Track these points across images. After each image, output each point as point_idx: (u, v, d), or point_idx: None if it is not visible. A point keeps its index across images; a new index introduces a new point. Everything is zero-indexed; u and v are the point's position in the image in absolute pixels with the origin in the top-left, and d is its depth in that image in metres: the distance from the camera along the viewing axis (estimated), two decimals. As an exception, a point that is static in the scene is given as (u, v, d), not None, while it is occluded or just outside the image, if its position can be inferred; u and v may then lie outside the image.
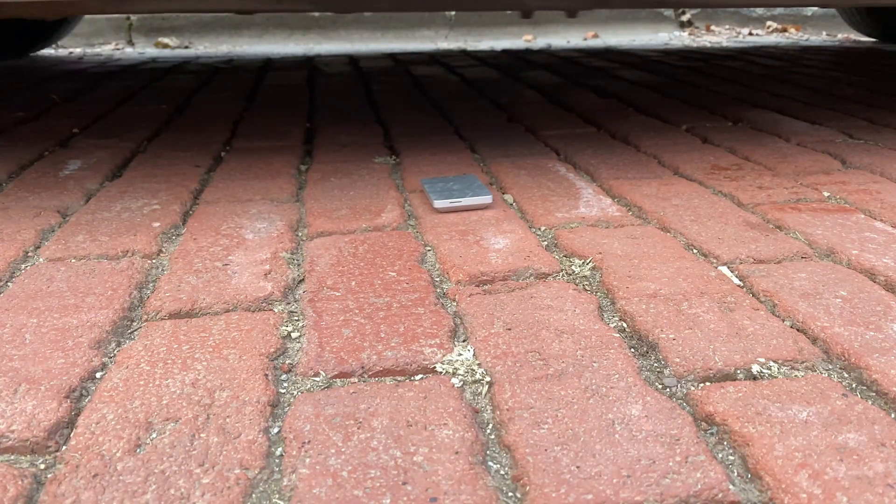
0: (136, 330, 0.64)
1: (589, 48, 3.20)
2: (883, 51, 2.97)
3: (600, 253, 0.80)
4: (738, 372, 0.57)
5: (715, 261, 0.79)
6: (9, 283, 0.73)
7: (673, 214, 0.93)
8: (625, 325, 0.65)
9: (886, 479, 0.45)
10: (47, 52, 3.24)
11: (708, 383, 0.56)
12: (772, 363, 0.58)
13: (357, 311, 0.67)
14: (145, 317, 0.66)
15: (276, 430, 0.51)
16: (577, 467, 0.46)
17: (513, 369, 0.57)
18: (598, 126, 1.49)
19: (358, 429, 0.50)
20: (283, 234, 0.86)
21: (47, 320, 0.65)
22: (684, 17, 4.08)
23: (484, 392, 0.55)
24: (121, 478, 0.45)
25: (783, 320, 0.66)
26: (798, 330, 0.64)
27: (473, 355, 0.60)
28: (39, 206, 0.97)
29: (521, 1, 1.07)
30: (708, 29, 4.06)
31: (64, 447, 0.49)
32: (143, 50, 3.35)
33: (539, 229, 0.88)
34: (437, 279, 0.74)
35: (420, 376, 0.57)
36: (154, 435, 0.49)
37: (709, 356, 0.59)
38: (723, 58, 2.70)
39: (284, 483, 0.45)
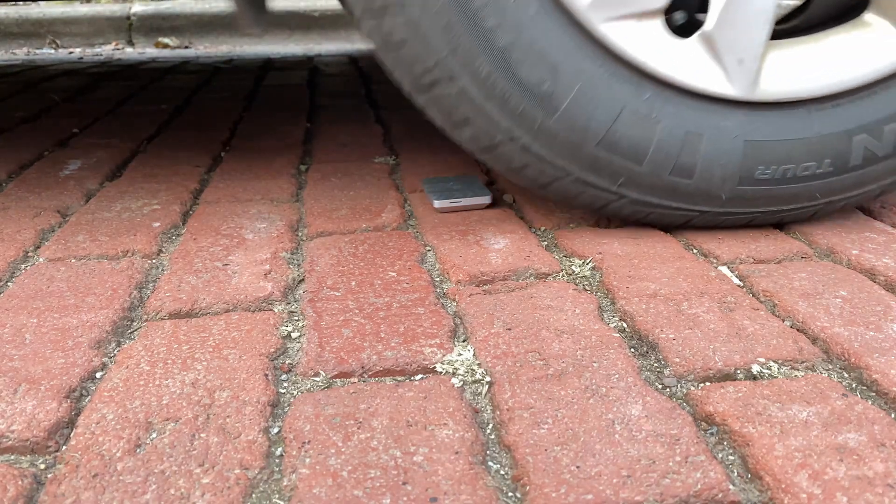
0: (136, 330, 0.64)
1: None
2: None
3: (600, 253, 0.80)
4: (738, 372, 0.57)
5: (715, 261, 0.79)
6: (9, 283, 0.73)
7: (673, 214, 0.92)
8: (625, 325, 0.65)
9: (886, 479, 0.45)
10: (47, 51, 3.24)
11: (708, 383, 0.56)
12: (772, 363, 0.58)
13: (357, 311, 0.67)
14: (145, 317, 0.66)
15: (276, 430, 0.51)
16: (577, 467, 0.46)
17: (513, 369, 0.57)
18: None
19: (358, 429, 0.50)
20: (283, 234, 0.86)
21: (47, 320, 0.65)
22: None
23: (484, 392, 0.55)
24: (121, 478, 0.45)
25: (783, 320, 0.66)
26: (798, 330, 0.64)
27: (473, 355, 0.60)
28: (39, 206, 0.97)
29: None
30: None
31: (64, 447, 0.49)
32: (143, 50, 3.36)
33: (539, 229, 0.88)
34: (437, 279, 0.74)
35: (420, 376, 0.57)
36: (154, 435, 0.49)
37: (709, 356, 0.59)
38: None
39: (284, 483, 0.45)
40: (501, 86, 0.75)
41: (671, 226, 0.86)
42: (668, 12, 0.79)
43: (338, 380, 0.57)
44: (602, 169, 0.79)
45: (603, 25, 0.75)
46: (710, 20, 0.76)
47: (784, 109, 0.80)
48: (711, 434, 0.50)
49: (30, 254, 0.81)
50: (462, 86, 0.75)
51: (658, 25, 0.77)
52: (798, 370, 0.57)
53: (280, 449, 0.49)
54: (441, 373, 0.57)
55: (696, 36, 0.77)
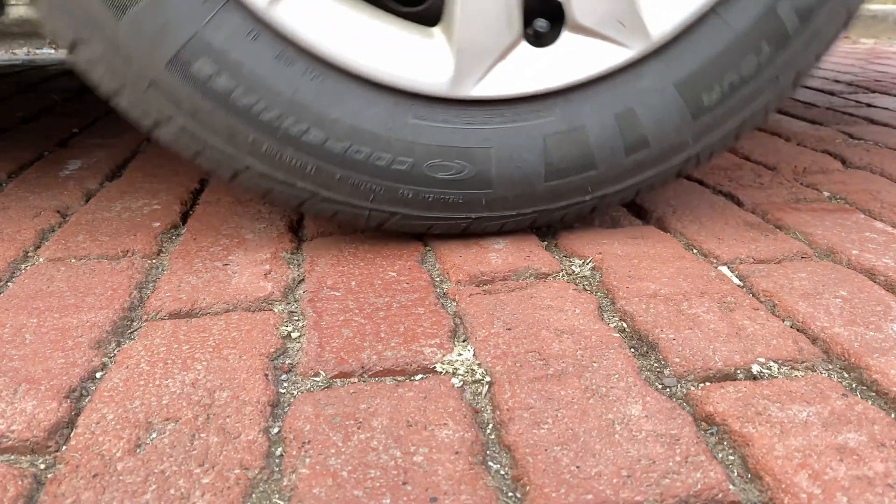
0: (136, 330, 0.64)
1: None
2: (885, 50, 2.97)
3: (600, 253, 0.80)
4: (738, 372, 0.57)
5: (715, 261, 0.79)
6: (9, 283, 0.73)
7: (673, 214, 0.93)
8: (625, 325, 0.65)
9: (886, 479, 0.45)
10: (47, 51, 3.24)
11: (708, 383, 0.56)
12: (772, 363, 0.58)
13: (357, 311, 0.67)
14: (145, 317, 0.66)
15: (276, 430, 0.51)
16: (577, 467, 0.46)
17: (513, 369, 0.57)
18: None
19: (358, 429, 0.50)
20: (284, 234, 0.86)
21: (47, 320, 0.65)
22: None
23: (484, 392, 0.55)
24: (121, 478, 0.45)
25: (783, 320, 0.66)
26: (798, 330, 0.64)
27: (473, 355, 0.60)
28: (39, 206, 0.97)
29: None
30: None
31: (64, 447, 0.49)
32: (143, 50, 3.35)
33: (539, 229, 0.88)
34: (437, 279, 0.74)
35: (420, 376, 0.57)
36: (154, 435, 0.49)
37: (709, 356, 0.59)
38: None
39: (284, 483, 0.45)
40: (434, 195, 0.77)
41: (666, 184, 0.85)
42: (527, 26, 0.76)
43: (338, 380, 0.57)
44: (567, 192, 0.80)
45: (475, 90, 0.74)
46: (568, 9, 0.74)
47: (693, 32, 0.76)
48: (711, 434, 0.50)
49: (30, 254, 0.81)
50: (405, 213, 0.78)
51: (524, 50, 0.75)
52: (798, 370, 0.57)
53: (280, 449, 0.49)
54: (441, 373, 0.57)
55: (565, 31, 0.75)
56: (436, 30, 0.75)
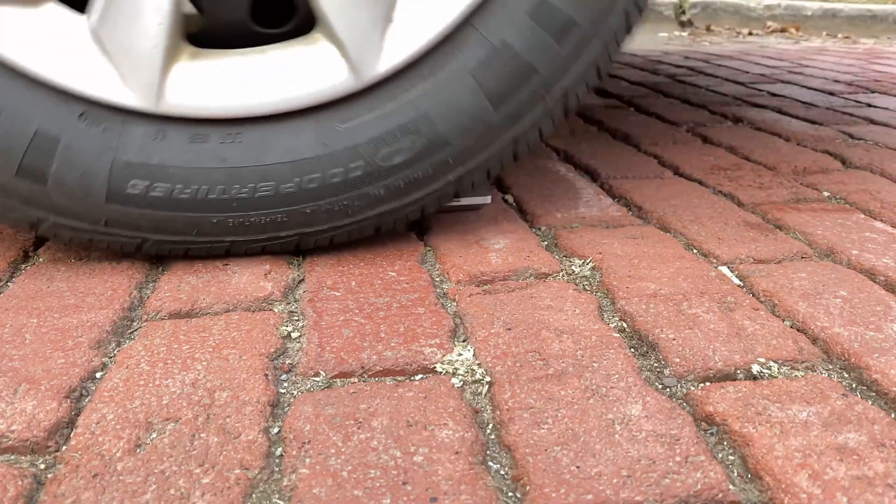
0: (136, 330, 0.64)
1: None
2: (884, 50, 2.97)
3: (600, 253, 0.80)
4: (738, 372, 0.57)
5: (715, 261, 0.79)
6: (9, 283, 0.73)
7: (673, 214, 0.93)
8: (625, 325, 0.65)
9: (886, 479, 0.45)
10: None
11: (708, 383, 0.56)
12: (772, 363, 0.58)
13: (357, 311, 0.67)
14: (145, 317, 0.66)
15: (276, 430, 0.51)
16: (577, 467, 0.46)
17: (513, 369, 0.57)
18: (598, 125, 1.49)
19: (358, 429, 0.50)
20: (283, 234, 0.86)
21: (47, 320, 0.65)
22: (684, 17, 4.08)
23: (484, 392, 0.55)
24: (121, 478, 0.45)
25: (783, 320, 0.66)
26: (798, 330, 0.64)
27: (473, 355, 0.60)
28: (39, 206, 0.96)
29: None
30: (708, 29, 4.06)
31: (64, 447, 0.49)
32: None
33: (539, 229, 0.88)
34: (437, 279, 0.74)
35: (420, 376, 0.57)
36: (154, 435, 0.49)
37: (709, 356, 0.59)
38: (723, 58, 2.70)
39: (284, 483, 0.45)
40: (403, 180, 0.75)
41: (621, 52, 0.78)
42: None
43: (338, 380, 0.57)
44: (525, 108, 0.75)
45: (381, 67, 0.71)
46: None
47: None
48: (711, 434, 0.50)
49: (30, 254, 0.81)
50: (390, 209, 0.76)
51: (404, 2, 0.71)
52: (798, 370, 0.57)
53: (280, 449, 0.49)
54: (441, 373, 0.57)
55: None
56: (316, 34, 0.72)
